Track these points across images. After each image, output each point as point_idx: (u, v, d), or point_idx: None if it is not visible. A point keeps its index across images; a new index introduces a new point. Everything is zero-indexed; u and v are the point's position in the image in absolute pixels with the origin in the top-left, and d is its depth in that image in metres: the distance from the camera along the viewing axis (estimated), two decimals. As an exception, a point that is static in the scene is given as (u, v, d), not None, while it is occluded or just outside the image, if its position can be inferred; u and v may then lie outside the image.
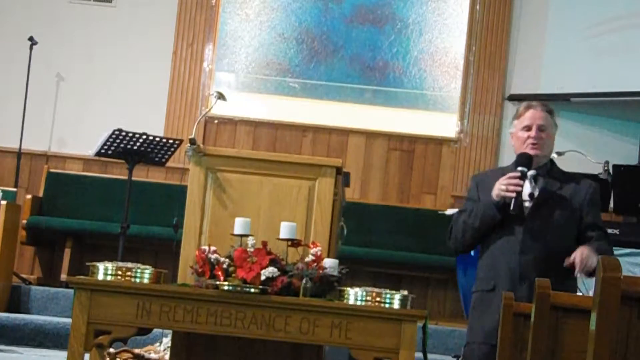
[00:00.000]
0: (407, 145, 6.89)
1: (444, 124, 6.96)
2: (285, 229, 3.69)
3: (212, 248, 3.64)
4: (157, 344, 4.31)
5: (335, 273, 3.65)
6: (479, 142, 6.81)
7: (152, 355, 4.08)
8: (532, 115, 3.46)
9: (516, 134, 3.52)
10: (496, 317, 3.21)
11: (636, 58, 6.44)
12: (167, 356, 4.04)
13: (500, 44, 6.87)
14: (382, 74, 7.04)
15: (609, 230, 4.82)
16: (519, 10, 6.89)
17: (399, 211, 6.52)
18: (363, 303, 3.53)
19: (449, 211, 5.13)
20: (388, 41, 7.05)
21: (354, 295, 3.56)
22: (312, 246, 3.69)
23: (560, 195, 3.45)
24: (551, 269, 3.23)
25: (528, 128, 3.45)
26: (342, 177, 4.02)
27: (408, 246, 6.15)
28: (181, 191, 4.06)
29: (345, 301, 3.56)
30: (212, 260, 3.59)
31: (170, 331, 3.96)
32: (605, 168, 4.99)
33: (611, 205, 5.04)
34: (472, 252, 4.86)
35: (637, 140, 6.37)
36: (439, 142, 6.90)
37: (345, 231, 4.24)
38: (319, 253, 3.64)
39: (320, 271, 3.60)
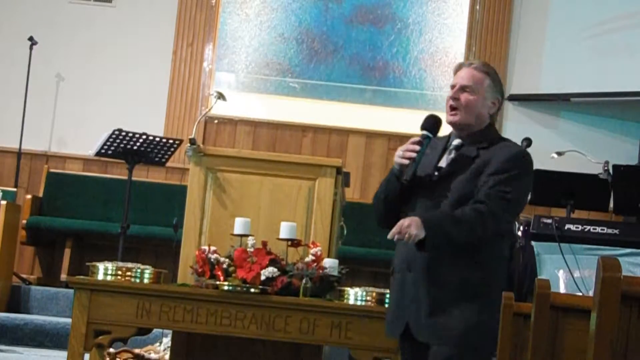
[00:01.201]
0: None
1: (444, 124, 6.94)
2: (285, 229, 3.70)
3: (212, 248, 3.65)
4: (157, 344, 4.31)
5: (335, 273, 3.65)
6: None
7: (152, 355, 4.09)
8: (458, 74, 2.96)
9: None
10: (393, 302, 2.99)
11: (636, 58, 6.45)
12: (167, 356, 4.04)
13: (500, 44, 6.88)
14: (382, 74, 7.05)
15: (609, 231, 4.83)
16: (519, 10, 6.89)
17: (399, 211, 6.51)
18: (363, 303, 3.54)
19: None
20: (388, 41, 7.05)
21: (354, 295, 3.56)
22: (312, 246, 3.69)
23: (472, 168, 2.86)
24: (446, 251, 2.80)
25: (453, 88, 2.94)
26: (342, 177, 4.02)
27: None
28: (181, 191, 4.07)
29: (345, 301, 3.56)
30: (212, 260, 3.59)
31: (170, 331, 3.97)
32: (605, 168, 4.99)
33: (611, 205, 5.04)
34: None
35: (637, 140, 6.37)
36: (439, 141, 6.89)
37: (345, 231, 4.24)
38: (318, 253, 3.65)
39: (320, 271, 3.60)
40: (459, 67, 2.99)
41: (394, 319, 2.92)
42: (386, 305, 3.25)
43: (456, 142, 2.94)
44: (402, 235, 2.71)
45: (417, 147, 2.88)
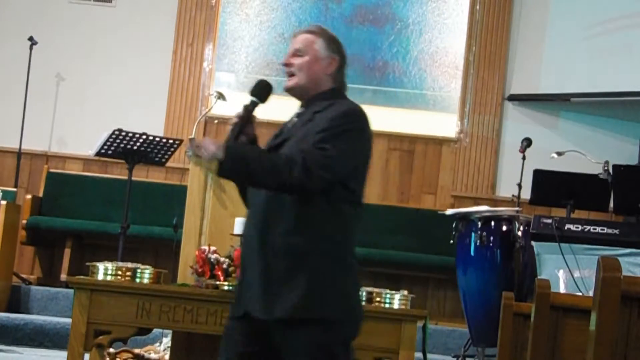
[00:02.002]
0: (407, 145, 6.89)
1: (443, 124, 6.96)
2: (285, 229, 3.69)
3: (212, 248, 3.65)
4: (157, 344, 4.31)
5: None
6: (478, 142, 6.80)
7: (152, 356, 4.09)
8: (292, 41, 2.89)
9: None
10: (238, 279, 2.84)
11: (636, 58, 6.45)
12: (167, 356, 4.04)
13: (500, 44, 6.88)
14: (382, 74, 7.04)
15: (609, 231, 4.83)
16: (519, 10, 6.89)
17: (399, 211, 6.52)
18: (362, 303, 3.55)
19: (449, 211, 5.13)
20: (388, 41, 7.05)
21: (355, 295, 3.57)
22: (313, 247, 3.70)
23: (303, 131, 2.73)
24: (275, 223, 2.62)
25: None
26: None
27: (408, 246, 6.15)
28: (181, 191, 4.07)
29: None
30: (212, 260, 3.59)
31: (170, 331, 3.97)
32: (605, 168, 4.98)
33: (611, 205, 5.04)
34: (472, 246, 4.87)
35: (637, 140, 6.37)
36: (439, 142, 6.90)
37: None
38: (318, 253, 3.65)
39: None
40: (293, 35, 2.91)
41: (236, 297, 2.75)
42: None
43: (298, 110, 2.85)
44: (201, 151, 2.56)
45: (242, 113, 2.77)
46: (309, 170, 2.55)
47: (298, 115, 2.82)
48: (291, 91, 2.83)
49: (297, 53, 2.81)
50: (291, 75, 2.80)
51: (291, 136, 2.74)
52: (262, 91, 2.84)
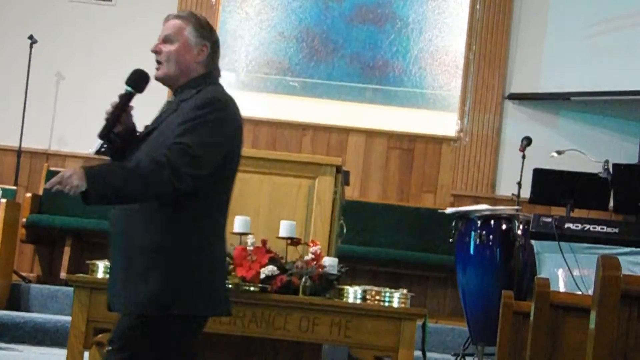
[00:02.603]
0: (407, 144, 6.88)
1: (443, 122, 6.95)
2: (285, 228, 3.70)
3: (212, 246, 3.65)
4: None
5: (335, 271, 3.65)
6: (479, 140, 6.80)
7: (152, 354, 4.06)
8: (163, 26, 2.79)
9: None
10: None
11: (637, 57, 6.44)
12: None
13: (501, 43, 6.87)
14: (382, 72, 7.04)
15: (609, 230, 4.82)
16: (519, 9, 6.88)
17: (399, 210, 6.51)
18: (362, 302, 3.54)
19: (449, 210, 5.13)
20: (388, 40, 7.05)
21: (354, 293, 3.57)
22: (311, 245, 3.70)
23: (167, 121, 2.69)
24: (138, 220, 2.61)
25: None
26: (341, 175, 4.02)
27: (407, 245, 6.15)
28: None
29: (344, 300, 3.57)
30: (211, 258, 3.59)
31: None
32: (605, 167, 4.98)
33: (611, 204, 5.04)
34: (472, 245, 4.87)
35: (637, 139, 6.36)
36: (439, 140, 6.89)
37: (344, 230, 4.24)
38: (318, 251, 3.65)
39: (320, 270, 3.60)
40: (165, 20, 2.80)
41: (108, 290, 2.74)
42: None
43: (170, 98, 2.78)
44: (63, 186, 2.45)
45: (117, 103, 2.72)
46: (177, 171, 2.47)
47: (168, 103, 2.78)
48: (161, 81, 2.75)
49: (166, 40, 2.72)
50: (160, 63, 2.71)
51: (158, 126, 2.68)
52: (138, 80, 2.75)
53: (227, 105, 2.68)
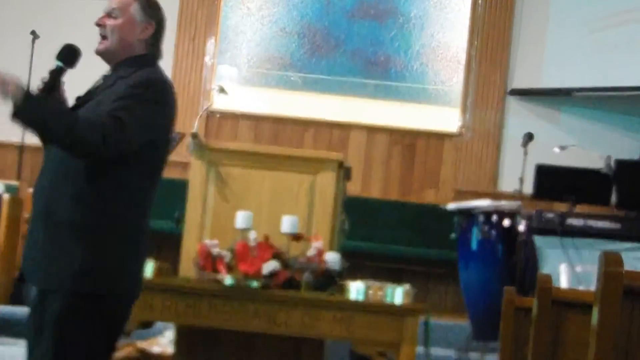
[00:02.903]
0: (408, 140, 6.88)
1: (445, 118, 6.94)
2: (287, 223, 3.70)
3: (214, 242, 3.65)
4: (160, 336, 4.31)
5: (337, 267, 3.65)
6: (481, 136, 6.80)
7: (155, 349, 4.09)
8: (109, 1, 2.77)
9: None
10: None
11: (638, 53, 6.44)
12: (170, 349, 4.04)
13: (502, 39, 6.86)
14: (384, 68, 7.03)
15: (611, 225, 4.82)
16: (520, 5, 6.87)
17: (401, 205, 6.51)
18: (365, 297, 3.54)
19: (451, 206, 5.13)
20: (390, 36, 7.04)
21: (356, 289, 3.56)
22: (313, 240, 3.70)
23: (103, 95, 2.68)
24: (61, 193, 2.57)
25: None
26: (343, 171, 4.02)
27: (409, 240, 6.15)
28: (183, 185, 4.06)
29: (347, 295, 3.57)
30: (214, 254, 3.59)
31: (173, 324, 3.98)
32: (608, 163, 4.98)
33: (613, 199, 5.04)
34: (475, 241, 4.87)
35: (639, 135, 6.36)
36: (441, 136, 6.89)
37: (347, 225, 4.24)
38: (320, 247, 3.65)
39: (322, 265, 3.61)
40: None
41: (23, 264, 2.67)
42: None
43: (106, 72, 2.76)
44: (1, 86, 2.49)
45: (47, 79, 2.71)
46: (105, 137, 2.46)
47: (104, 77, 2.74)
48: (102, 55, 2.75)
49: (111, 14, 2.71)
50: (104, 37, 2.72)
51: (92, 98, 2.66)
52: (68, 55, 2.76)
53: (164, 87, 2.69)
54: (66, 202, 2.55)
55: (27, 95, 2.49)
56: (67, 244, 2.53)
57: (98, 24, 2.72)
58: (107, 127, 2.48)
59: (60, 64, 2.74)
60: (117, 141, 2.49)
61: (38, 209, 2.62)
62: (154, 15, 2.77)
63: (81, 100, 2.70)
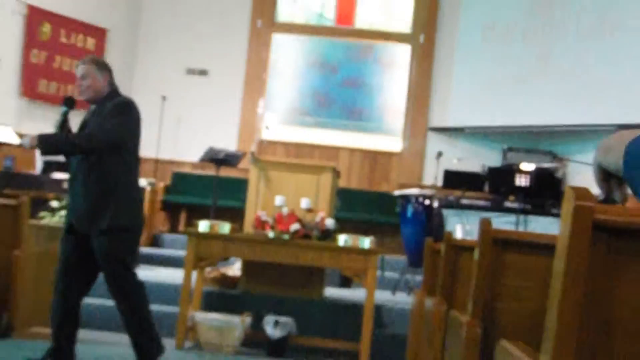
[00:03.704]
0: (372, 155, 6.86)
1: (393, 143, 6.92)
2: (304, 203, 3.70)
3: (263, 212, 3.65)
4: (233, 265, 4.31)
5: (332, 227, 3.65)
6: (413, 153, 6.77)
7: (230, 272, 4.09)
8: (77, 69, 2.68)
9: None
10: (69, 204, 2.71)
11: (498, 101, 6.37)
12: (239, 273, 4.04)
13: (426, 92, 6.80)
14: (358, 114, 7.02)
15: (485, 203, 4.80)
16: (439, 65, 6.76)
17: (368, 193, 6.49)
18: (348, 244, 3.54)
19: (396, 192, 5.11)
20: (362, 96, 7.03)
21: (343, 239, 3.57)
22: (319, 212, 3.69)
23: (90, 120, 2.67)
24: (85, 173, 2.61)
25: (77, 79, 2.68)
26: (335, 173, 4.01)
27: (373, 212, 6.13)
28: (245, 182, 4.06)
29: (337, 243, 3.57)
30: (263, 219, 3.59)
31: (240, 258, 3.98)
32: (483, 168, 4.97)
33: (486, 188, 5.01)
34: (409, 213, 4.81)
35: (500, 151, 6.29)
36: (390, 153, 6.86)
37: (338, 204, 4.23)
38: (323, 216, 3.65)
39: (323, 226, 3.60)
40: (77, 66, 2.70)
41: (69, 215, 2.65)
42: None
43: (91, 108, 2.70)
44: (25, 144, 2.56)
45: (59, 118, 2.66)
46: (92, 137, 2.54)
47: (93, 111, 2.69)
48: (87, 101, 2.69)
49: (83, 78, 2.64)
50: (83, 92, 2.65)
51: (88, 122, 2.67)
52: (69, 103, 2.70)
53: (131, 106, 2.69)
54: (93, 179, 2.60)
55: (40, 139, 2.57)
56: (99, 203, 2.60)
57: (78, 85, 2.66)
58: (94, 133, 2.57)
59: (66, 108, 2.71)
60: (99, 138, 2.56)
61: (77, 185, 2.63)
62: (105, 67, 2.72)
63: (84, 124, 2.70)
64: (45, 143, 2.53)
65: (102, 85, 2.67)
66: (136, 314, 2.61)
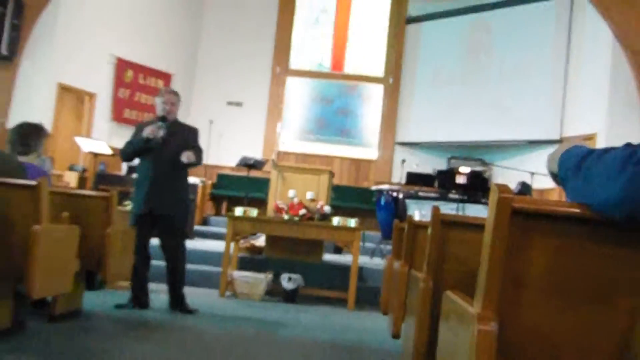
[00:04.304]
0: (356, 162, 6.83)
1: (371, 153, 6.88)
2: (309, 195, 3.67)
3: (280, 202, 3.63)
4: (259, 238, 4.28)
5: (328, 212, 3.63)
6: (384, 161, 6.74)
7: (257, 243, 4.07)
8: (167, 97, 2.64)
9: (158, 105, 2.64)
10: (137, 200, 2.61)
11: (455, 118, 6.33)
12: (264, 244, 4.01)
13: (394, 117, 6.77)
14: (347, 133, 6.99)
15: (435, 195, 4.76)
16: (403, 100, 6.74)
17: (353, 187, 6.44)
18: (340, 223, 3.53)
19: (373, 187, 5.08)
20: (349, 121, 7.00)
21: (336, 220, 3.54)
22: (319, 201, 3.68)
23: (178, 135, 2.62)
24: (172, 172, 2.60)
25: (164, 103, 2.62)
26: (331, 175, 3.99)
27: (357, 201, 6.10)
28: (268, 180, 4.03)
29: (332, 223, 3.55)
30: (280, 206, 3.58)
31: (264, 234, 3.96)
32: (435, 171, 4.94)
33: (436, 184, 4.99)
34: (382, 202, 4.78)
35: (445, 159, 6.27)
36: (369, 160, 6.83)
37: (332, 195, 4.22)
38: (322, 204, 3.63)
39: (322, 211, 3.59)
40: (164, 93, 2.66)
41: (141, 205, 2.58)
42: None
43: (166, 125, 2.62)
44: (153, 132, 2.51)
45: (155, 130, 2.58)
46: (200, 156, 2.60)
47: (167, 126, 2.61)
48: (167, 118, 2.62)
49: (171, 103, 2.62)
50: (169, 112, 2.61)
51: (171, 138, 2.58)
52: (163, 119, 2.62)
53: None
54: (176, 178, 2.62)
55: (196, 156, 2.64)
56: (181, 195, 2.66)
57: (168, 109, 2.62)
58: (199, 153, 2.65)
59: (161, 123, 2.61)
60: (199, 154, 2.63)
61: (164, 177, 2.63)
62: (180, 100, 2.70)
63: (166, 137, 2.61)
64: (198, 159, 2.59)
65: (177, 111, 2.70)
66: (184, 271, 2.65)
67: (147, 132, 2.56)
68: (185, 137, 2.63)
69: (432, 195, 4.77)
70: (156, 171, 2.60)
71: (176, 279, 2.61)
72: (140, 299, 2.58)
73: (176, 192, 2.63)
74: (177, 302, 2.60)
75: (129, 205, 3.16)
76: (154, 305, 2.69)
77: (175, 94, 2.68)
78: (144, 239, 2.59)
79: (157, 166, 2.60)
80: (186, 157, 2.54)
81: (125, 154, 2.62)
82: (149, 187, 2.59)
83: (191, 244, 4.13)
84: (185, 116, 6.50)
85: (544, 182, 4.69)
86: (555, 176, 0.77)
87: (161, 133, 2.56)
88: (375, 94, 6.95)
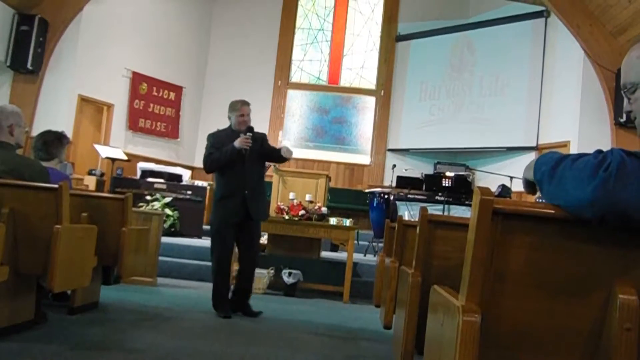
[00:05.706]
0: (350, 167, 6.82)
1: (365, 159, 6.88)
2: (308, 197, 3.66)
3: (282, 203, 3.62)
4: (262, 237, 4.25)
5: (326, 213, 3.62)
6: (377, 166, 6.74)
7: (261, 241, 4.02)
8: (245, 108, 2.54)
9: (236, 118, 2.52)
10: (230, 209, 2.45)
11: (443, 129, 6.33)
12: (266, 241, 3.99)
13: (385, 127, 6.77)
14: (342, 140, 6.98)
15: (423, 197, 4.76)
16: (393, 111, 6.75)
17: (348, 190, 6.45)
18: (335, 223, 3.52)
19: (367, 190, 5.07)
20: (344, 129, 7.00)
21: (333, 220, 3.53)
22: (317, 203, 3.67)
23: (257, 142, 2.51)
24: (259, 180, 2.55)
25: (242, 115, 2.51)
26: (328, 178, 3.98)
27: (351, 202, 6.09)
28: (271, 183, 4.02)
29: (329, 222, 3.54)
30: (281, 207, 3.57)
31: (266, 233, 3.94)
32: (422, 175, 4.94)
33: (424, 187, 4.99)
34: (375, 203, 4.78)
35: (432, 164, 6.28)
36: (363, 165, 6.82)
37: (329, 197, 4.20)
38: (320, 205, 3.62)
39: (320, 212, 3.58)
40: (242, 104, 2.53)
41: (238, 213, 2.45)
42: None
43: (246, 132, 2.50)
44: (248, 144, 2.41)
45: (250, 141, 2.47)
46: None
47: (247, 132, 2.50)
48: (244, 127, 2.51)
49: (248, 115, 2.54)
50: (246, 122, 2.52)
51: (254, 148, 2.49)
52: (250, 130, 2.53)
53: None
54: (258, 185, 2.57)
55: (288, 152, 2.62)
56: (264, 203, 2.64)
57: (246, 120, 2.53)
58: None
59: (250, 134, 2.52)
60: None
61: (253, 190, 2.54)
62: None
63: (251, 146, 2.49)
64: (289, 154, 2.51)
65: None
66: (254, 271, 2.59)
67: (242, 144, 2.43)
68: (260, 143, 2.52)
69: (420, 197, 4.77)
70: (247, 179, 2.49)
71: (251, 285, 2.52)
72: (225, 309, 2.38)
73: (264, 198, 2.61)
74: (244, 306, 2.50)
75: (143, 206, 3.14)
76: (164, 299, 2.67)
77: (249, 104, 2.57)
78: (230, 248, 2.47)
79: (247, 174, 2.48)
80: (286, 151, 2.48)
81: (215, 165, 2.44)
82: (243, 194, 2.45)
83: (202, 242, 4.10)
84: (195, 125, 6.50)
85: (522, 186, 4.70)
86: (528, 184, 0.78)
87: (250, 143, 2.47)
88: (368, 105, 6.95)
